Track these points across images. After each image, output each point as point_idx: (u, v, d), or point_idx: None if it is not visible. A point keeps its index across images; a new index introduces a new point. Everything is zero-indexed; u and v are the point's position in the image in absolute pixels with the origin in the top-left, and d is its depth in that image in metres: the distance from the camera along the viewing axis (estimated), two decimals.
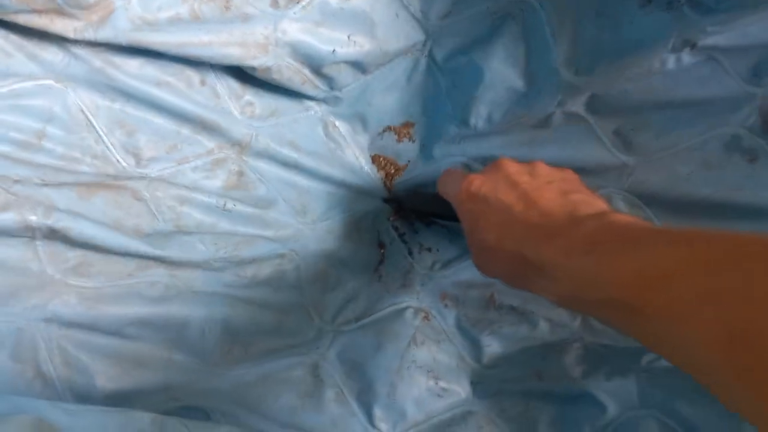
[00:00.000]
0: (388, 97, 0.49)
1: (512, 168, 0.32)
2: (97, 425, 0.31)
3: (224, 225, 0.45)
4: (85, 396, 0.36)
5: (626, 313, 0.21)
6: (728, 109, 0.41)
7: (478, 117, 0.47)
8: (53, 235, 0.37)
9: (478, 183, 0.31)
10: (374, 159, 0.49)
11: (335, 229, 0.48)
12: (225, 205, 0.45)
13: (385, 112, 0.49)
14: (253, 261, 0.45)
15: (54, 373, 0.36)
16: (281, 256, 0.46)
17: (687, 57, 0.41)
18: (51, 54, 0.39)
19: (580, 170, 0.43)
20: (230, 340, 0.42)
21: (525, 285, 0.27)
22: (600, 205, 0.27)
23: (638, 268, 0.21)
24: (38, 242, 0.37)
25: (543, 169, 0.32)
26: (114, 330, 0.39)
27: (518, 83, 0.46)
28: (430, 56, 0.48)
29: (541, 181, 0.30)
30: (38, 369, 0.35)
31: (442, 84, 0.48)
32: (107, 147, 0.42)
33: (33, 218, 0.35)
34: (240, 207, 0.45)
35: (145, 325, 0.40)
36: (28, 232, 0.36)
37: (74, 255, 0.39)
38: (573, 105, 0.45)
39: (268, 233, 0.47)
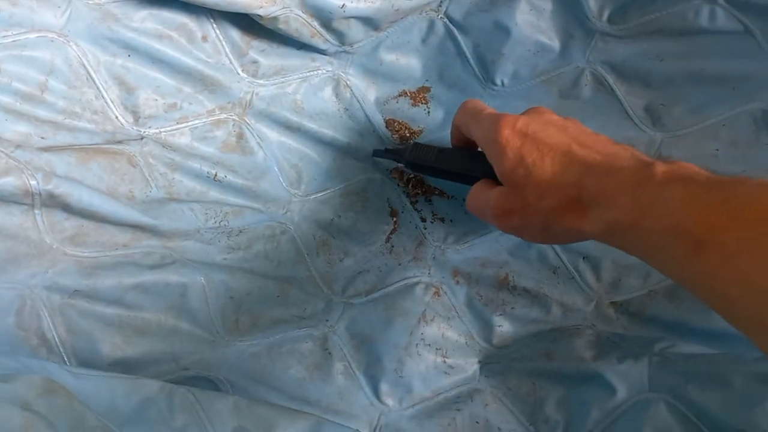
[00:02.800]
0: (402, 59, 0.50)
1: (554, 115, 0.34)
2: (105, 390, 0.34)
3: (214, 194, 0.47)
4: (90, 363, 0.39)
5: (687, 246, 0.23)
6: (762, 85, 0.42)
7: (505, 74, 0.49)
8: (52, 201, 0.38)
9: (525, 121, 0.33)
10: (388, 123, 0.50)
11: (331, 199, 0.50)
12: (216, 175, 0.47)
13: (399, 74, 0.50)
14: (241, 232, 0.48)
15: (58, 340, 0.38)
16: (270, 227, 0.49)
17: (721, 16, 0.42)
18: (53, 6, 0.39)
19: None
20: (235, 309, 0.44)
21: (562, 220, 0.30)
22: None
23: (722, 201, 0.23)
24: (37, 210, 0.38)
25: (580, 123, 0.34)
26: (114, 298, 0.41)
27: (546, 36, 0.47)
28: (447, 16, 0.48)
29: (587, 129, 0.33)
30: (42, 336, 0.38)
31: (463, 44, 0.49)
32: (107, 103, 0.43)
33: (33, 183, 0.37)
34: (231, 177, 0.47)
35: (145, 292, 0.42)
36: (27, 199, 0.37)
37: (71, 225, 0.40)
38: (603, 66, 0.46)
39: (257, 205, 0.49)
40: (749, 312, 0.22)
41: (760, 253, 0.21)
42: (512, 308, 0.45)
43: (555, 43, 0.48)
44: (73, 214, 0.40)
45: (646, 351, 0.40)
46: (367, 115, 0.50)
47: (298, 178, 0.49)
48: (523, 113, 0.35)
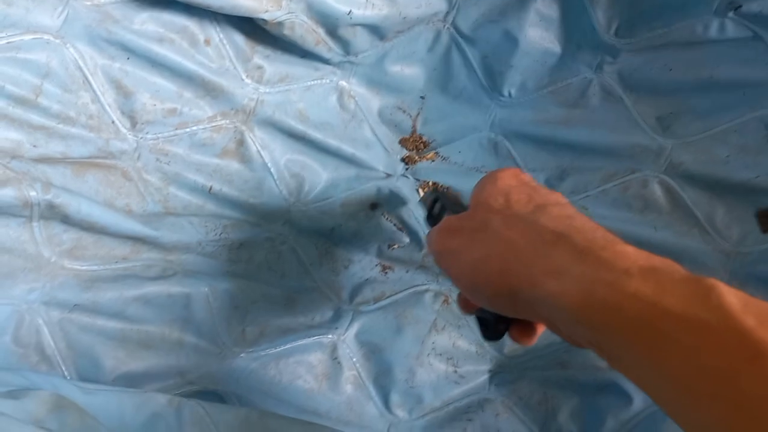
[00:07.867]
0: (407, 69, 0.49)
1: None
2: (114, 404, 0.33)
3: (211, 207, 0.46)
4: (92, 379, 0.37)
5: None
6: None
7: (512, 85, 0.48)
8: (51, 212, 0.37)
9: (529, 176, 0.31)
10: (402, 141, 0.50)
11: (332, 208, 0.49)
12: (211, 188, 0.46)
13: (403, 85, 0.50)
14: (241, 245, 0.47)
15: (59, 357, 0.37)
16: (270, 239, 0.48)
17: (730, 26, 0.42)
18: (49, 7, 0.38)
19: (615, 151, 0.45)
20: (241, 319, 0.43)
21: (522, 261, 0.25)
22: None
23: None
24: (35, 223, 0.37)
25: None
26: (116, 311, 0.40)
27: (554, 47, 0.47)
28: (455, 27, 0.48)
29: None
30: (42, 353, 0.36)
31: (470, 54, 0.48)
32: (103, 107, 0.42)
33: (33, 194, 0.36)
34: (226, 190, 0.46)
35: (147, 304, 0.41)
36: (26, 210, 0.36)
37: (69, 237, 0.39)
38: (611, 76, 0.46)
39: (254, 218, 0.47)
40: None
41: None
42: None
43: (563, 54, 0.47)
44: (71, 225, 0.38)
45: None
46: (371, 126, 0.49)
47: (299, 187, 0.48)
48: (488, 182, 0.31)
